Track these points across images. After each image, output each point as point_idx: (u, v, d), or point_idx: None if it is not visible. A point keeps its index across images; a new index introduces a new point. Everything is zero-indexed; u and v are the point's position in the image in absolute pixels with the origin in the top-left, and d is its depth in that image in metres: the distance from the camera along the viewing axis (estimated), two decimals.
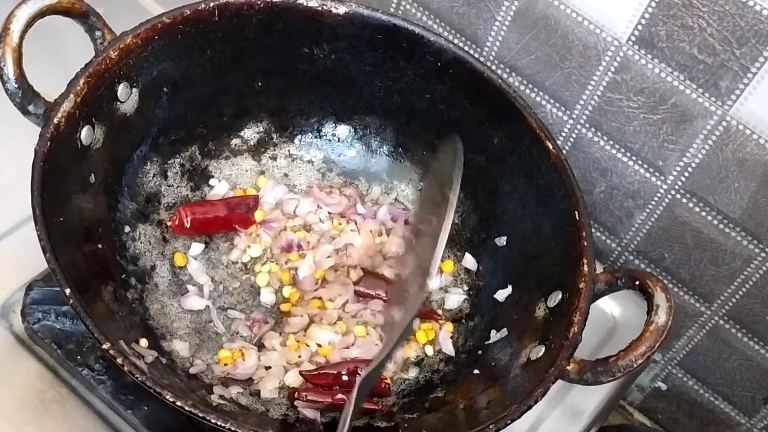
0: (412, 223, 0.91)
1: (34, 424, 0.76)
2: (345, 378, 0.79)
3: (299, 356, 0.81)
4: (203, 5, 0.81)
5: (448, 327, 0.87)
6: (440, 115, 0.90)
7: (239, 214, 0.88)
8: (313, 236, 0.90)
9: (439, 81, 0.88)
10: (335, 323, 0.84)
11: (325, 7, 0.85)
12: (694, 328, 0.98)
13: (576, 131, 0.94)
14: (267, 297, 0.86)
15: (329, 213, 0.91)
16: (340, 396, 0.78)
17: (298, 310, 0.85)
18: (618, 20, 0.84)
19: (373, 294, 0.87)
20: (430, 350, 0.85)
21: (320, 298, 0.86)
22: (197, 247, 0.87)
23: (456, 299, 0.89)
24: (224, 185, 0.91)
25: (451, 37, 0.96)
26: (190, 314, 0.83)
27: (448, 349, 0.85)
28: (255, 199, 0.90)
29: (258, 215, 0.89)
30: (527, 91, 0.95)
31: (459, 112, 0.89)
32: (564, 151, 0.83)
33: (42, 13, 0.72)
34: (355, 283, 0.87)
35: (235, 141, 0.93)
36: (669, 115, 0.86)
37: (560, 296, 0.77)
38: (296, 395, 0.78)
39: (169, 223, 0.86)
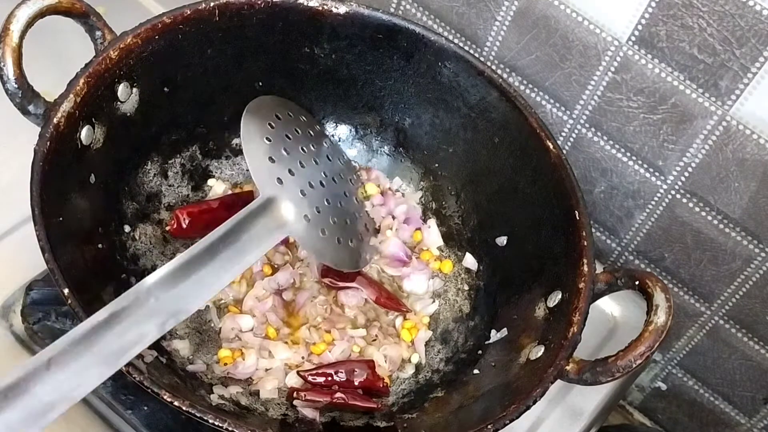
0: None
1: None
2: (342, 377, 0.79)
3: (302, 357, 0.82)
4: (204, 5, 0.81)
5: (424, 320, 0.87)
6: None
7: (236, 212, 0.88)
8: None
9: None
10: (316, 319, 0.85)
11: (325, 7, 0.85)
12: (694, 328, 0.98)
13: (576, 131, 0.94)
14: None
15: None
16: (339, 395, 0.78)
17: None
18: (618, 20, 0.84)
19: (341, 285, 0.87)
20: (415, 357, 0.86)
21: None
22: None
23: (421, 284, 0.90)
24: (221, 185, 0.91)
25: (451, 37, 0.96)
26: None
27: (420, 352, 0.86)
28: (250, 195, 0.90)
29: None
30: (527, 91, 0.95)
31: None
32: (564, 151, 0.83)
33: (42, 13, 0.72)
34: (323, 276, 0.87)
35: (235, 140, 0.93)
36: (669, 115, 0.86)
37: (560, 296, 0.77)
38: (295, 395, 0.78)
39: (167, 228, 0.86)
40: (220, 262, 0.70)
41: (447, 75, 0.87)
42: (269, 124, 0.82)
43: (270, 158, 0.80)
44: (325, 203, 0.83)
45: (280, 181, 0.79)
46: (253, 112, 0.82)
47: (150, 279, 0.66)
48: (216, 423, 0.63)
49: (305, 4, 0.85)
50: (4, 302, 0.81)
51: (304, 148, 0.84)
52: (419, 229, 0.93)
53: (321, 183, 0.84)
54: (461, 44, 0.95)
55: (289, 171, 0.80)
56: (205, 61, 0.85)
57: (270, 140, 0.81)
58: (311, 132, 0.88)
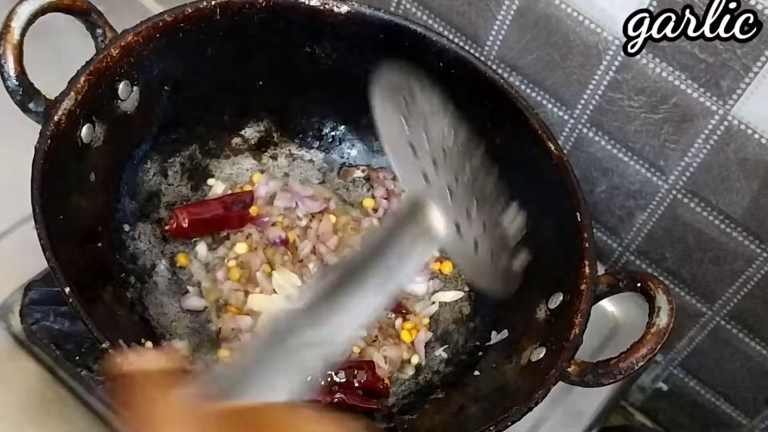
0: None
1: (34, 424, 0.76)
2: (342, 378, 0.79)
3: None
4: (205, 3, 0.81)
5: (425, 321, 0.87)
6: None
7: (236, 211, 0.88)
8: (299, 231, 0.90)
9: (441, 81, 0.88)
10: None
11: (326, 6, 0.85)
12: (695, 329, 0.98)
13: (577, 131, 0.94)
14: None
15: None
16: (338, 396, 0.77)
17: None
18: (619, 19, 0.84)
19: None
20: (415, 358, 0.85)
21: None
22: (203, 248, 0.86)
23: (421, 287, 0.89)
24: (221, 185, 0.91)
25: (451, 36, 0.96)
26: (190, 314, 0.83)
27: (421, 354, 0.85)
28: (250, 195, 0.90)
29: (253, 210, 0.89)
30: (528, 91, 0.95)
31: (461, 112, 0.88)
32: (565, 151, 0.83)
33: (43, 11, 0.72)
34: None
35: (235, 140, 0.92)
36: (670, 114, 0.86)
37: (561, 298, 0.77)
38: None
39: (167, 227, 0.86)
40: (364, 291, 0.53)
41: (448, 75, 0.87)
42: (403, 99, 0.62)
43: (410, 144, 0.59)
44: (474, 204, 0.61)
45: (425, 176, 0.58)
46: (385, 84, 0.63)
47: (286, 317, 0.52)
48: None
49: (306, 3, 0.85)
50: (2, 302, 0.81)
51: (439, 131, 0.63)
52: None
53: (464, 177, 0.63)
54: (462, 44, 0.95)
55: (433, 161, 0.60)
56: (205, 60, 0.84)
57: (407, 121, 0.60)
58: (442, 111, 0.66)
